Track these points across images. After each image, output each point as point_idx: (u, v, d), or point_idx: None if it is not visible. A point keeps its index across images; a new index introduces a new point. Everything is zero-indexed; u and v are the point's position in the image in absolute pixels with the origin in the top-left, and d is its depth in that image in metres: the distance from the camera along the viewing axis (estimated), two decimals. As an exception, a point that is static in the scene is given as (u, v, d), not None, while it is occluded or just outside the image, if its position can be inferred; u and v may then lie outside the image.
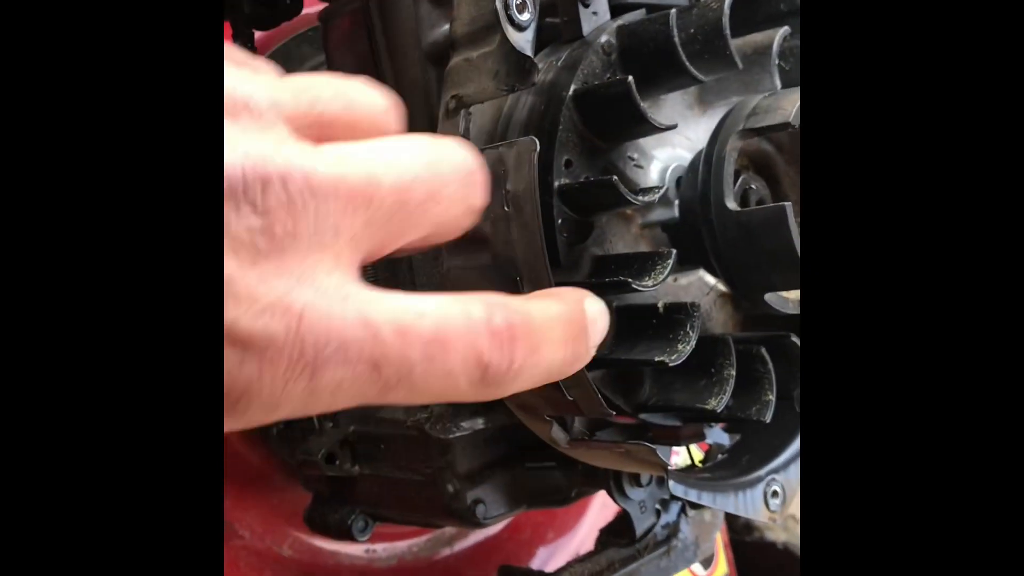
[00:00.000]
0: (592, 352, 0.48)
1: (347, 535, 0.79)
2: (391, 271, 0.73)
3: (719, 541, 1.27)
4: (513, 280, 0.54)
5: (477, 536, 1.02)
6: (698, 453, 0.83)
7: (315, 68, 0.90)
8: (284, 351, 0.34)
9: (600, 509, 1.08)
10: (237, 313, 0.33)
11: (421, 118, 0.67)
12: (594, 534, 0.80)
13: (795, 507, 1.50)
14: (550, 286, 0.52)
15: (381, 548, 0.97)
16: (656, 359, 0.55)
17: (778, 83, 0.67)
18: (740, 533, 1.41)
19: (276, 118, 0.36)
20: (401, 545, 0.98)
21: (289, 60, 0.90)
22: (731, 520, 1.45)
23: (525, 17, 0.58)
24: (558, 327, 0.45)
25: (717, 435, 0.74)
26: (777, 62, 0.67)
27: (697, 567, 1.21)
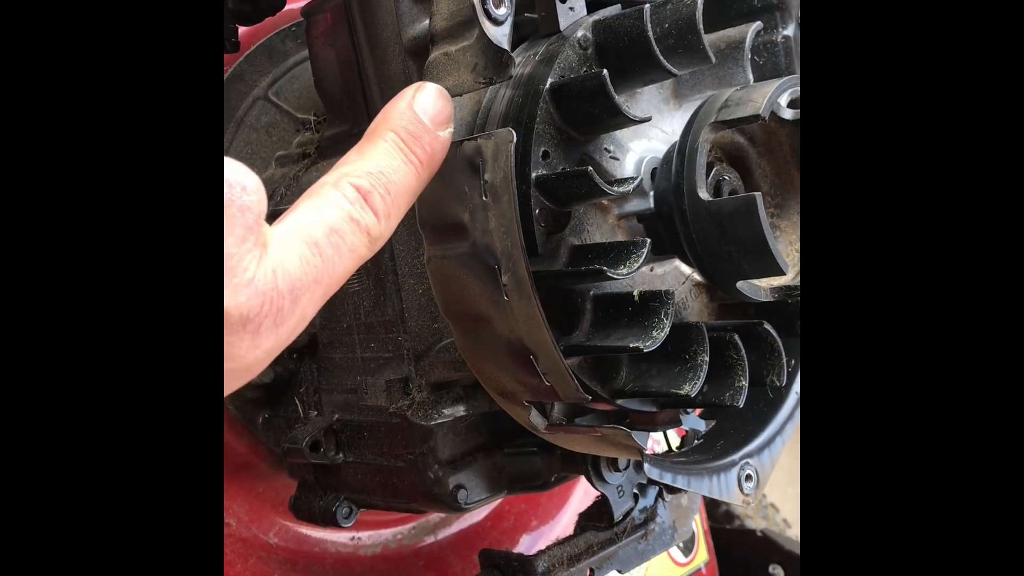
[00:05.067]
0: (440, 134, 0.54)
1: (332, 522, 0.80)
2: (373, 261, 0.74)
3: (700, 529, 1.29)
4: (491, 268, 0.55)
5: (460, 524, 1.04)
6: (675, 441, 0.84)
7: (298, 64, 0.91)
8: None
9: (582, 497, 1.09)
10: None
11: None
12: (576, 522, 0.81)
13: (774, 495, 1.51)
14: (527, 275, 0.53)
15: (366, 536, 0.98)
16: (631, 345, 0.57)
17: (751, 77, 0.68)
18: (720, 521, 1.43)
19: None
20: (386, 533, 0.99)
21: (273, 55, 0.91)
22: (711, 509, 1.47)
23: (502, 12, 0.60)
24: (391, 154, 0.52)
25: (693, 421, 0.76)
26: (750, 56, 0.68)
27: (678, 554, 1.22)
